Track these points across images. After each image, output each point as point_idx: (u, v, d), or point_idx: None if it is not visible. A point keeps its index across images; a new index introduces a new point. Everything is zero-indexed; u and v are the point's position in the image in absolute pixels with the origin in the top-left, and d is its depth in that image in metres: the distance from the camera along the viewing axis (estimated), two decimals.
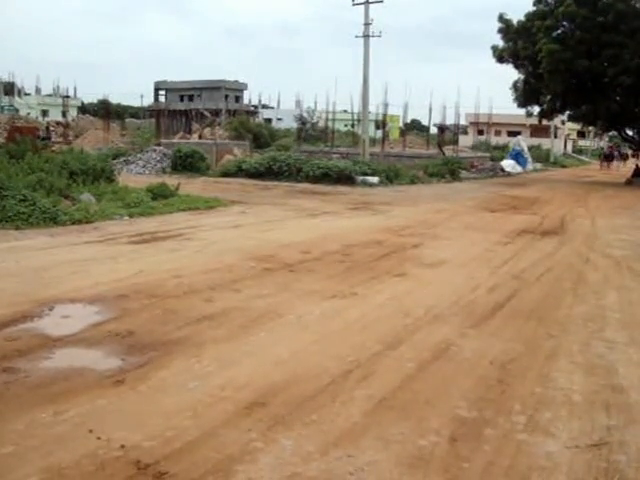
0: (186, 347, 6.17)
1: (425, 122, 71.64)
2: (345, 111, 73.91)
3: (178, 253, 11.10)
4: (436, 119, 73.88)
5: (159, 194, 18.27)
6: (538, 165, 53.21)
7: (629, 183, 37.09)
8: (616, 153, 67.61)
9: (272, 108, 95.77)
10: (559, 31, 35.31)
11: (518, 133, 67.07)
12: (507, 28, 37.46)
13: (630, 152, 79.63)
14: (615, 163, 62.26)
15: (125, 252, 11.02)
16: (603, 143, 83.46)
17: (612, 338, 7.05)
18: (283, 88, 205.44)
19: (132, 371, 5.55)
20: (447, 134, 61.12)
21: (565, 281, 10.00)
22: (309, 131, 61.59)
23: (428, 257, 11.54)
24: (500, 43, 38.47)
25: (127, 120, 74.60)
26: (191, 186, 22.69)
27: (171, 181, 21.18)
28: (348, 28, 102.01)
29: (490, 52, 38.53)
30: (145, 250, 11.33)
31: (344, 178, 28.17)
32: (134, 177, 25.62)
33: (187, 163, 30.51)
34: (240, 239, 12.78)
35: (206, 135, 50.17)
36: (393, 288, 9.11)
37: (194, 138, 50.22)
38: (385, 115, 53.63)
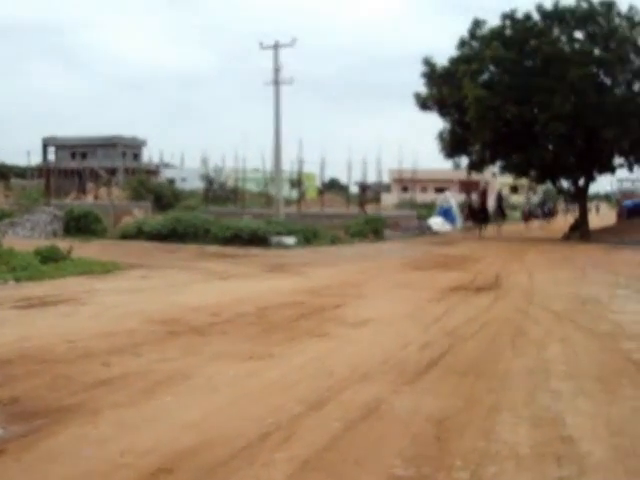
0: (80, 414, 5.92)
1: (344, 181, 72.48)
2: (257, 170, 74.24)
3: (71, 318, 10.79)
4: (356, 176, 74.66)
5: (49, 257, 17.85)
6: (469, 222, 54.12)
7: (567, 238, 38.03)
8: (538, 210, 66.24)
9: (175, 168, 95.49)
10: (485, 76, 36.12)
11: (446, 189, 68.40)
12: (432, 72, 37.93)
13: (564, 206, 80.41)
14: (537, 222, 59.63)
15: (10, 317, 10.68)
16: (536, 198, 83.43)
17: (558, 389, 7.10)
18: (187, 145, 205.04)
19: (15, 441, 5.27)
20: (369, 193, 61.92)
21: (503, 335, 10.07)
22: (217, 191, 61.53)
23: (352, 317, 11.49)
24: (423, 90, 38.92)
25: (12, 181, 73.21)
26: (86, 250, 22.27)
27: (63, 245, 20.69)
28: (256, 78, 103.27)
29: (413, 102, 38.81)
30: (33, 315, 11.00)
31: (257, 239, 28.14)
32: (21, 241, 24.99)
33: (81, 225, 30.07)
34: (141, 303, 12.53)
35: (102, 195, 49.66)
36: (314, 348, 9.01)
37: (89, 199, 49.65)
38: (300, 173, 54.13)
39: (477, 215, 40.58)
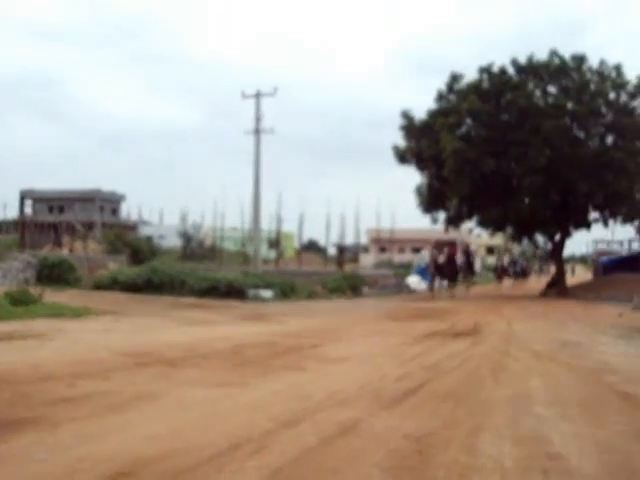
0: (38, 425, 5.59)
1: (322, 242, 72.07)
2: (235, 229, 74.08)
3: (38, 350, 10.45)
4: (334, 236, 74.21)
5: (20, 300, 17.47)
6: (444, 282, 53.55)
7: (544, 295, 37.81)
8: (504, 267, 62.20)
9: (153, 226, 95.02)
10: (463, 129, 35.98)
11: (423, 249, 68.00)
12: (410, 125, 37.54)
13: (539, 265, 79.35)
14: (508, 281, 57.49)
15: None
16: (507, 257, 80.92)
17: (542, 414, 6.83)
18: (167, 199, 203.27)
19: None
20: (347, 254, 61.74)
21: (483, 369, 9.84)
22: (195, 249, 61.17)
23: (330, 354, 11.24)
24: (402, 143, 38.22)
25: None
26: (58, 297, 21.77)
27: (36, 292, 20.30)
28: (238, 134, 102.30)
29: (392, 159, 38.32)
30: None
31: (234, 292, 27.67)
32: None
33: (55, 274, 29.46)
34: (112, 340, 12.18)
35: (77, 249, 49.08)
36: (291, 378, 8.73)
37: (64, 252, 49.04)
38: (279, 232, 54.06)
39: (443, 271, 35.96)
